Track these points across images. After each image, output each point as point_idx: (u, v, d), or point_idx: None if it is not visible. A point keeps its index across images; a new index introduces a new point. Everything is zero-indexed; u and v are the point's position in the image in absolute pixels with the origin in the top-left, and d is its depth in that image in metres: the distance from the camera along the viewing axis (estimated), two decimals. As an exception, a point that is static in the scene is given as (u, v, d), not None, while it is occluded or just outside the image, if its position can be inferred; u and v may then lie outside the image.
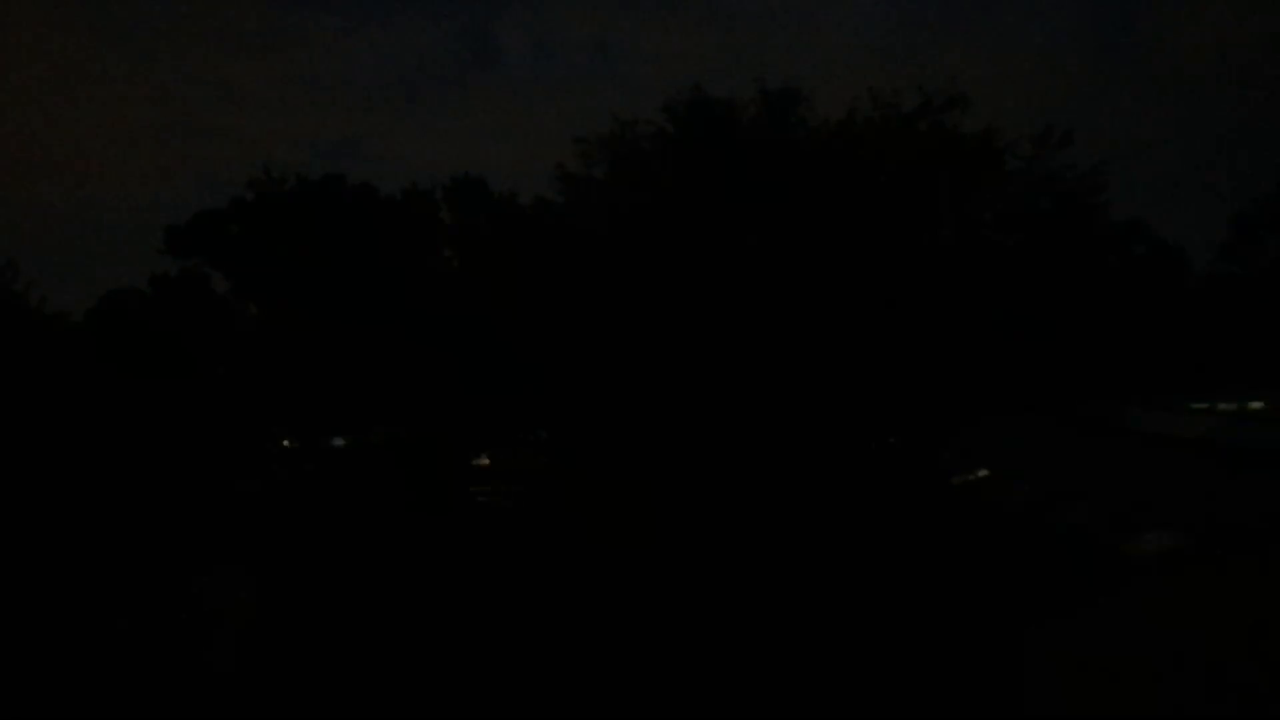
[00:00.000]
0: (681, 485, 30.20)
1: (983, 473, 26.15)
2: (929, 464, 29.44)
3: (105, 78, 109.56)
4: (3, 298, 41.24)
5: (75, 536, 26.41)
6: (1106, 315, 36.01)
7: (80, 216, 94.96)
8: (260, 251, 43.32)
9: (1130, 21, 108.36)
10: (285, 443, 42.89)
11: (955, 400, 33.57)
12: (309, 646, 14.87)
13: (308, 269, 41.78)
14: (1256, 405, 26.21)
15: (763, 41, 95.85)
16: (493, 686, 12.51)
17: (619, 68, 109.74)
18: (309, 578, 20.43)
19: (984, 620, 13.70)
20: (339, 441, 42.98)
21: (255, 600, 18.49)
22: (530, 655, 13.72)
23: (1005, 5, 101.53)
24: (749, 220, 36.07)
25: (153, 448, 41.73)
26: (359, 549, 23.78)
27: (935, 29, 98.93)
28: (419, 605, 17.47)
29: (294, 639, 15.42)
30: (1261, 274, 40.22)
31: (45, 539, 26.17)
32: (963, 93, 36.95)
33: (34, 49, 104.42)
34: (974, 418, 32.65)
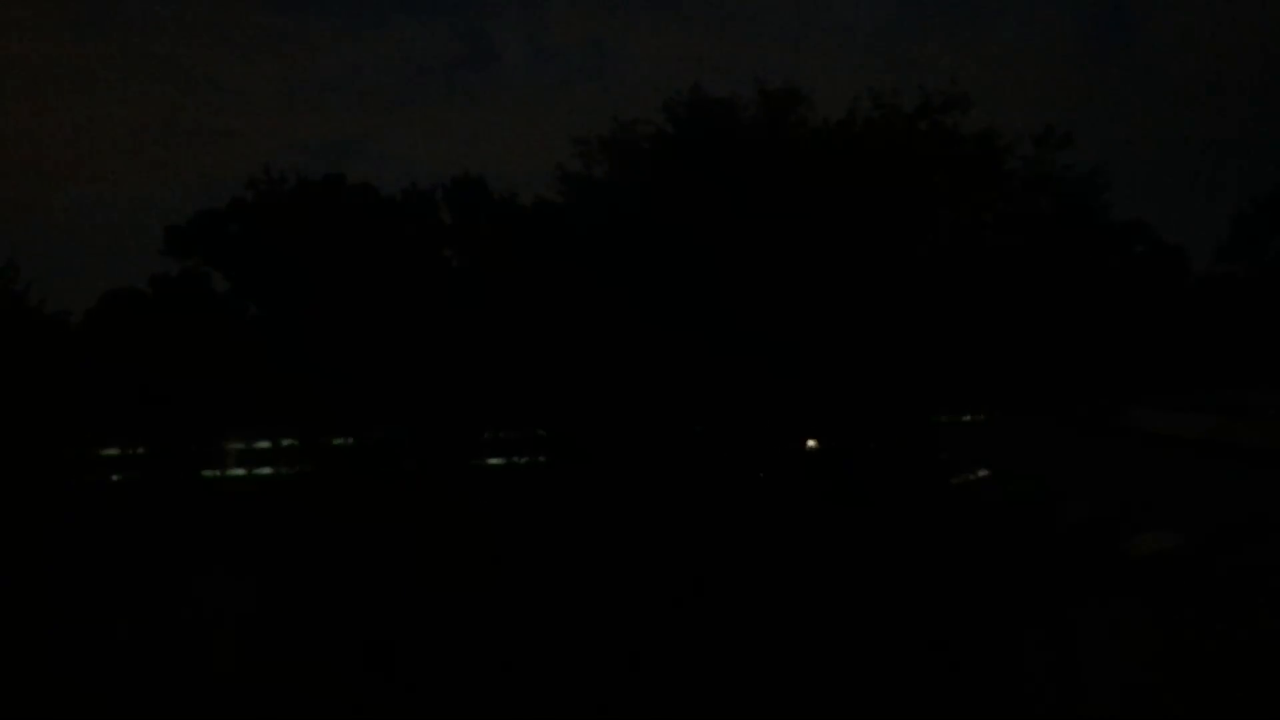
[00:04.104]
0: (684, 482, 30.19)
1: (983, 473, 26.18)
2: (929, 464, 29.44)
3: (104, 78, 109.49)
4: (3, 298, 41.21)
5: (74, 535, 26.42)
6: (1106, 315, 36.00)
7: (80, 216, 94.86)
8: (260, 251, 43.30)
9: (1130, 22, 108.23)
10: (286, 442, 42.87)
11: (955, 400, 33.60)
12: (308, 645, 14.88)
13: (308, 269, 41.76)
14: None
15: (762, 42, 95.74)
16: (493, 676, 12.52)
17: (617, 68, 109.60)
18: (307, 576, 20.43)
19: (984, 618, 13.70)
20: (340, 441, 42.97)
21: (254, 600, 18.50)
22: (531, 662, 13.72)
23: (1005, 5, 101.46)
24: (749, 221, 36.05)
25: (152, 446, 41.79)
26: (357, 547, 23.78)
27: (935, 29, 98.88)
28: (417, 600, 17.48)
29: (293, 638, 15.43)
30: (1261, 274, 40.21)
31: (44, 539, 26.18)
32: (963, 93, 36.94)
33: (33, 49, 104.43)
34: (974, 418, 32.71)
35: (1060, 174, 37.53)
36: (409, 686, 12.70)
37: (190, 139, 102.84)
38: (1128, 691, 10.18)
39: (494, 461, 41.80)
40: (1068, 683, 10.79)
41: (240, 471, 42.37)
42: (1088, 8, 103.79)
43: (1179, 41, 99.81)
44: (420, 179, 47.53)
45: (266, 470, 42.45)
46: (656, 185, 37.23)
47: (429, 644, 14.66)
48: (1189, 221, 75.39)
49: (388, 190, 45.31)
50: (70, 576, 20.73)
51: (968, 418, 36.04)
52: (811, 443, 36.38)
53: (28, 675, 13.69)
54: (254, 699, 12.48)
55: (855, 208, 35.87)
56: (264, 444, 42.85)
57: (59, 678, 13.47)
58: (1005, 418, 32.52)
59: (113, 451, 42.37)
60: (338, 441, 42.71)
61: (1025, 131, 37.64)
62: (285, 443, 42.94)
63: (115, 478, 41.58)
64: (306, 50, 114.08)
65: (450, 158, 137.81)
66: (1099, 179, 37.77)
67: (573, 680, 12.46)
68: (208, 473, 42.36)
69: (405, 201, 44.99)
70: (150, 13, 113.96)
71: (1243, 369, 33.54)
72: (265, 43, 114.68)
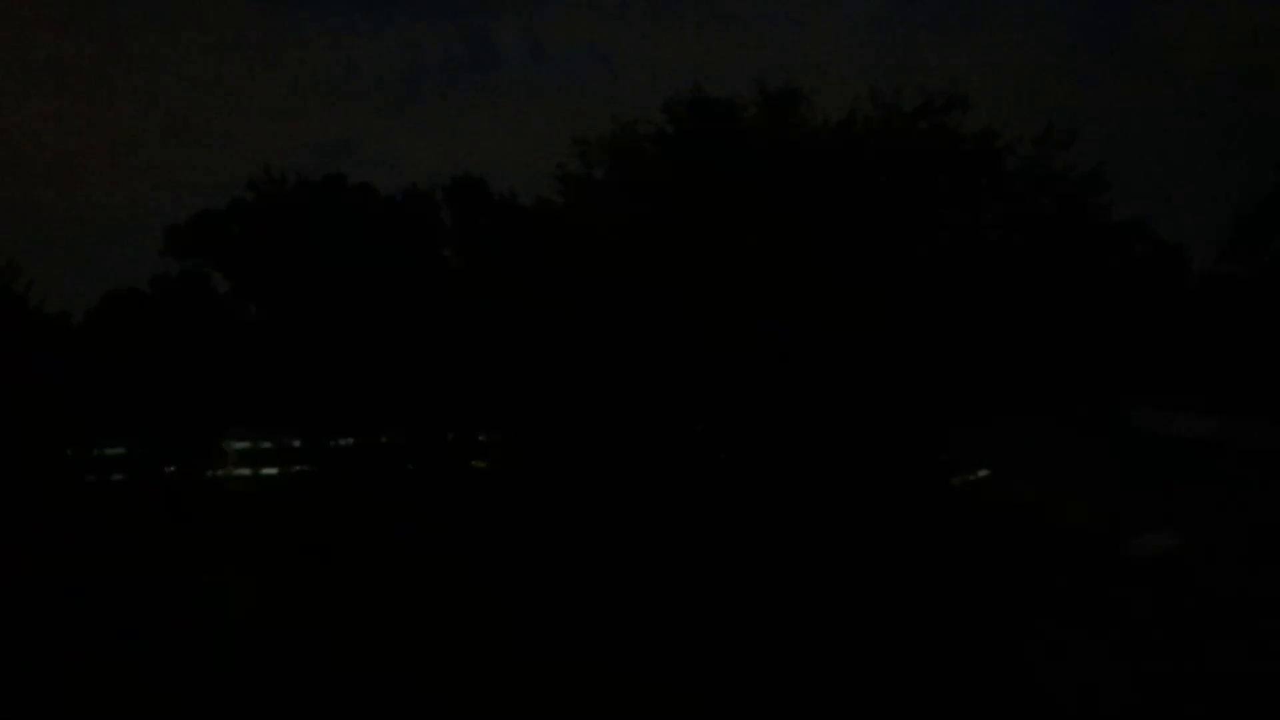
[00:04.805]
0: (683, 482, 30.24)
1: (983, 473, 26.23)
2: (929, 464, 29.47)
3: (104, 78, 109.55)
4: (3, 298, 41.28)
5: (75, 535, 26.45)
6: (1107, 315, 36.02)
7: (80, 216, 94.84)
8: (260, 251, 43.39)
9: (1130, 21, 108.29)
10: (286, 442, 42.94)
11: (955, 400, 33.60)
12: (306, 646, 14.90)
13: (308, 269, 41.83)
14: None
15: (762, 42, 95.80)
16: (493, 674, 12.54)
17: (617, 69, 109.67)
18: (306, 576, 20.46)
19: (983, 619, 13.72)
20: (340, 442, 43.02)
21: (254, 599, 18.51)
22: (531, 657, 13.73)
23: (1005, 5, 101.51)
24: (749, 220, 36.08)
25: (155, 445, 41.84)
26: (357, 548, 23.82)
27: (935, 29, 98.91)
28: (417, 601, 17.51)
29: (291, 638, 15.45)
30: (1261, 274, 40.19)
31: (45, 539, 26.21)
32: (963, 93, 36.97)
33: (33, 50, 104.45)
34: (974, 418, 32.71)
35: (1060, 174, 37.54)
36: (407, 686, 12.73)
37: (190, 139, 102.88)
38: (1128, 692, 10.20)
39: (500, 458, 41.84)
40: (1068, 683, 10.81)
41: (242, 472, 42.47)
42: (1088, 7, 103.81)
43: (1179, 41, 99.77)
44: (420, 179, 47.57)
45: (268, 470, 42.54)
46: (657, 185, 37.27)
47: (427, 644, 14.69)
48: (1189, 221, 75.29)
49: (388, 190, 45.42)
50: (70, 576, 20.75)
51: (968, 417, 36.07)
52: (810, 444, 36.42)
53: (27, 675, 13.71)
54: (252, 699, 12.51)
55: (855, 208, 35.90)
56: (265, 444, 42.94)
57: (59, 677, 13.50)
58: (1005, 418, 32.55)
59: (113, 451, 42.46)
60: (337, 442, 42.79)
61: (1025, 131, 37.71)
62: (285, 443, 43.03)
63: (116, 477, 41.64)
64: (306, 50, 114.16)
65: (450, 158, 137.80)
66: (1099, 179, 37.78)
67: (569, 680, 12.48)
68: (208, 473, 42.44)
69: (405, 201, 45.06)
70: (150, 13, 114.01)
71: (1242, 369, 33.54)
72: (265, 43, 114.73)
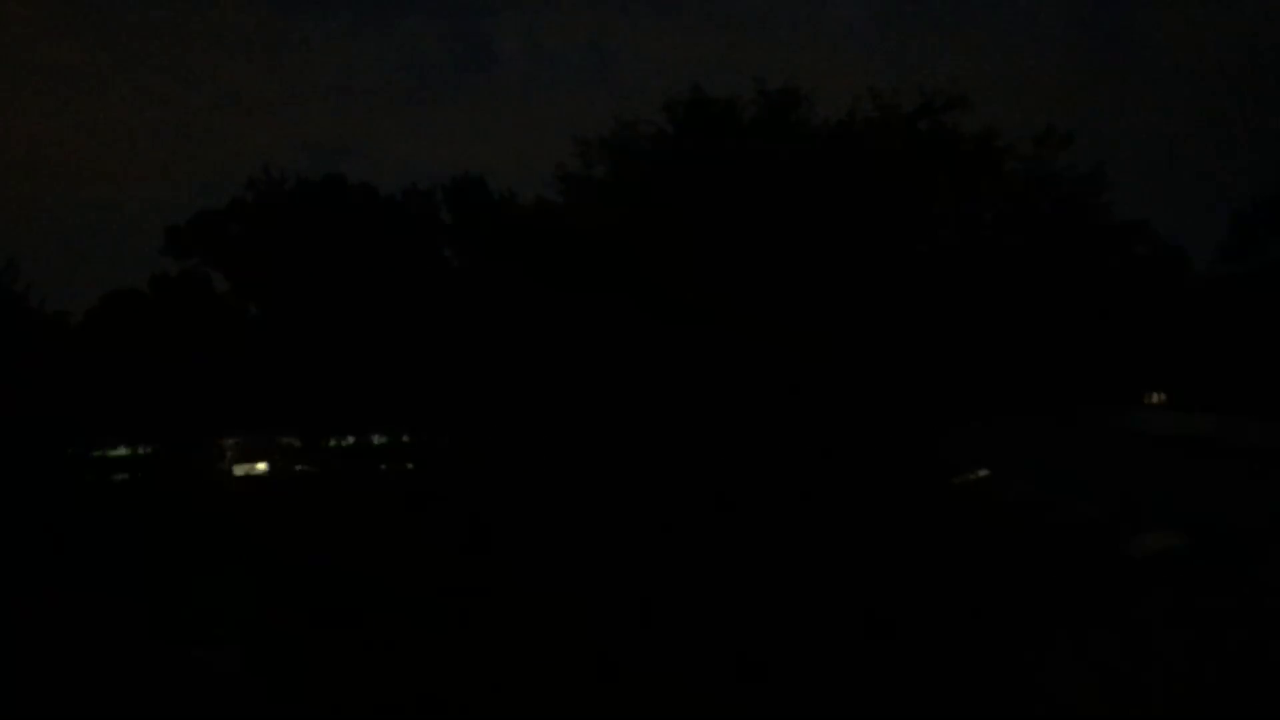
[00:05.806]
0: (683, 481, 30.20)
1: (983, 472, 26.20)
2: (929, 464, 29.44)
3: (106, 79, 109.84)
4: (3, 298, 41.30)
5: (75, 535, 26.45)
6: (1107, 316, 36.03)
7: (80, 216, 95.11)
8: (260, 251, 43.47)
9: (1129, 22, 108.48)
10: (285, 441, 43.01)
11: (955, 400, 33.62)
12: (308, 644, 14.90)
13: (308, 269, 41.87)
14: None
15: (761, 42, 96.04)
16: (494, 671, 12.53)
17: (616, 69, 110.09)
18: (305, 576, 20.45)
19: (983, 618, 13.71)
20: (341, 442, 43.09)
21: (254, 600, 18.51)
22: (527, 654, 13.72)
23: (1005, 5, 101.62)
24: (749, 220, 36.09)
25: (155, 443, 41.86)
26: (356, 547, 23.80)
27: (935, 29, 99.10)
28: (419, 598, 17.51)
29: (290, 639, 15.44)
30: (1261, 274, 40.21)
31: (45, 539, 26.21)
32: (963, 93, 36.98)
33: (35, 50, 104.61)
34: (974, 418, 32.72)
35: (1060, 174, 37.55)
36: (405, 685, 12.72)
37: (190, 139, 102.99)
38: (1129, 691, 10.20)
39: (494, 461, 41.86)
40: (1069, 683, 10.81)
41: (242, 471, 42.50)
42: (1087, 7, 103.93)
43: (1178, 41, 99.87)
44: (420, 179, 47.82)
45: (266, 470, 42.57)
46: (657, 185, 37.27)
47: (424, 643, 14.68)
48: (1189, 221, 75.54)
49: (388, 190, 45.53)
50: (70, 575, 20.76)
51: (968, 417, 36.10)
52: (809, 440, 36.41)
53: (26, 675, 13.71)
54: (249, 699, 12.50)
55: (855, 207, 35.90)
56: (264, 444, 42.98)
57: (57, 676, 13.50)
58: (1005, 417, 32.54)
59: (115, 452, 42.53)
60: (338, 441, 42.83)
61: (1025, 131, 37.74)
62: (285, 442, 43.06)
63: (116, 477, 41.66)
64: (306, 50, 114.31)
65: (450, 158, 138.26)
66: (1099, 179, 37.79)
67: (565, 682, 12.47)
68: (206, 472, 42.47)
69: (405, 201, 45.17)
70: (151, 14, 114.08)
71: (1241, 368, 33.56)
72: (265, 43, 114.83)
